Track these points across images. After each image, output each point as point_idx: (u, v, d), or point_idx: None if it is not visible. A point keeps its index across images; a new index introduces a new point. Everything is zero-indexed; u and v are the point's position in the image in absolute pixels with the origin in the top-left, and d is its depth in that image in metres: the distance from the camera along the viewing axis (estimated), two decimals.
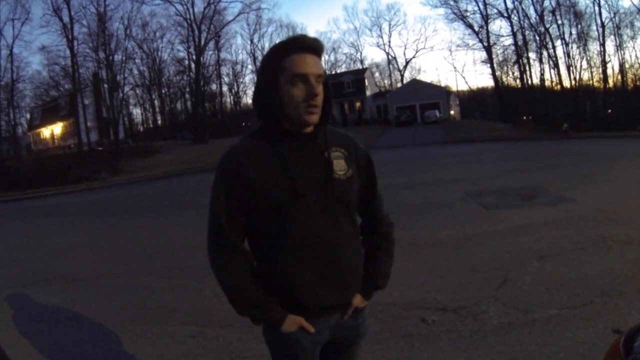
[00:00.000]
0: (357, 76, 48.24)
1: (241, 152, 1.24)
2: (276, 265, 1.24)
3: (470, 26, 42.35)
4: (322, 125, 1.26)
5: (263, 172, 1.20)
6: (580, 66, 37.52)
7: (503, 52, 42.59)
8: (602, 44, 35.00)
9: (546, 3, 35.39)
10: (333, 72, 54.31)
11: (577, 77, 36.41)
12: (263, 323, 1.32)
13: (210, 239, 1.28)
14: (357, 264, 1.36)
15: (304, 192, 1.21)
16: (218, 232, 1.25)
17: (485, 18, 40.26)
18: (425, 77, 71.73)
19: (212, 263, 1.28)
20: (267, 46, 52.47)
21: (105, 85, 34.17)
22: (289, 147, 1.23)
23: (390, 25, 74.01)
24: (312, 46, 1.20)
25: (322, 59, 1.27)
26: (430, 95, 44.59)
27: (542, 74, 38.23)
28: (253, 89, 1.33)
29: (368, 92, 48.42)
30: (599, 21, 34.71)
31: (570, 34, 36.48)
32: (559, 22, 35.88)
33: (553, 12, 35.37)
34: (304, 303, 1.26)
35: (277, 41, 1.26)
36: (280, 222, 1.22)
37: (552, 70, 38.12)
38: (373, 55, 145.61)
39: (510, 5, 38.02)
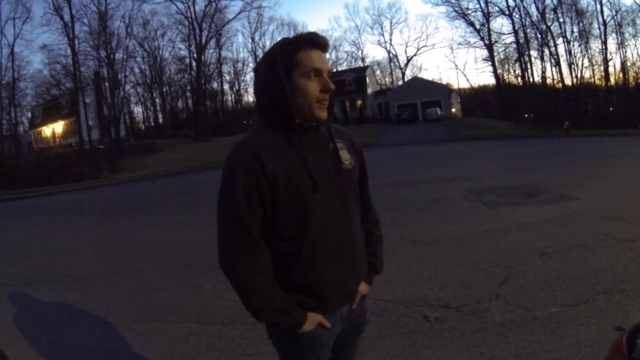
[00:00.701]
0: (359, 74, 48.19)
1: (257, 146, 1.18)
2: (297, 261, 1.21)
3: (471, 24, 42.32)
4: (326, 118, 1.26)
5: (283, 166, 1.17)
6: (582, 64, 37.49)
7: (504, 50, 42.52)
8: (604, 42, 34.90)
9: (548, 1, 35.28)
10: (334, 70, 54.16)
11: (579, 75, 36.27)
12: (283, 326, 1.23)
13: (229, 243, 1.18)
14: (364, 251, 1.39)
15: (322, 184, 1.21)
16: (241, 234, 1.17)
17: (487, 16, 40.22)
18: (426, 75, 71.88)
19: (233, 269, 1.18)
20: (268, 44, 52.37)
21: (107, 84, 34.17)
22: (301, 140, 1.22)
23: (391, 23, 74.33)
24: (322, 43, 1.22)
25: None
26: (432, 93, 44.53)
27: (543, 72, 38.07)
28: (254, 83, 1.31)
29: (369, 90, 48.37)
30: (600, 19, 34.64)
31: (572, 31, 36.35)
32: (561, 20, 35.76)
33: (554, 10, 35.24)
34: (325, 295, 1.25)
35: (282, 37, 1.26)
36: (301, 216, 1.20)
37: (553, 68, 38.06)
38: (374, 53, 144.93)
39: (511, 3, 37.91)
